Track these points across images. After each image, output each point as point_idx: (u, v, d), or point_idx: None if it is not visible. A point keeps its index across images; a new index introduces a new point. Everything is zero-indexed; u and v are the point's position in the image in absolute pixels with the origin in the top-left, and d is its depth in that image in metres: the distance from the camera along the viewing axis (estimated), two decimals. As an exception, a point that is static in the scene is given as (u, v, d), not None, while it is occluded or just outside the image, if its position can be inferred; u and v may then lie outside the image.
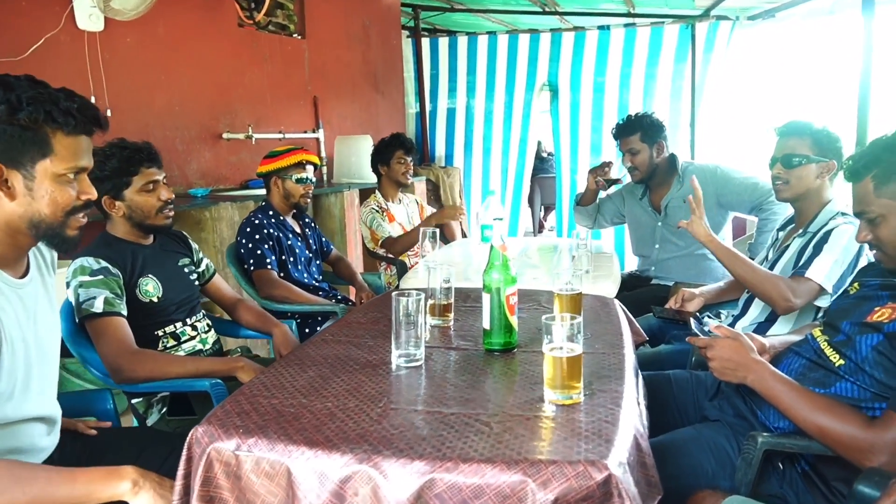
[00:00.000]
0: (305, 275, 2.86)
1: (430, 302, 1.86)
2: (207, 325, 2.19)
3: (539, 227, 8.57)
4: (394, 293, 1.51)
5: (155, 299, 1.99)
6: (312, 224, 3.06)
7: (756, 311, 2.22)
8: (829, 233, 2.01)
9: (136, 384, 1.83)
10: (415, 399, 1.35)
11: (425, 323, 1.62)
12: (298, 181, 2.75)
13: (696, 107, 5.23)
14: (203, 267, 2.27)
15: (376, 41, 5.45)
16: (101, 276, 1.85)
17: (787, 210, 2.91)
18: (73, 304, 1.84)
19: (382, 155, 3.68)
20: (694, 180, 2.32)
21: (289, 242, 2.79)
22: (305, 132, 4.64)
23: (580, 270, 2.42)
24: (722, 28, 5.02)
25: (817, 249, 2.01)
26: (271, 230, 2.72)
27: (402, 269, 3.39)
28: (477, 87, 5.85)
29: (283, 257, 2.73)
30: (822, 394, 1.44)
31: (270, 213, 2.78)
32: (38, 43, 2.87)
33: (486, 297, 1.59)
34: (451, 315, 1.87)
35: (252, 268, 2.66)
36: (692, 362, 1.99)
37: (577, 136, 5.60)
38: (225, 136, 3.95)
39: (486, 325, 1.60)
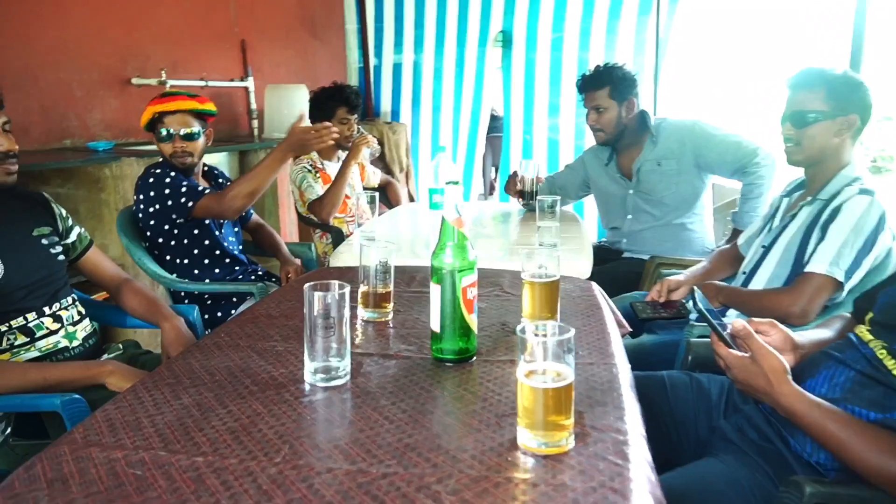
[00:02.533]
0: (228, 240, 2.38)
1: (363, 288, 1.43)
2: (79, 313, 1.70)
3: (490, 190, 8.17)
4: (305, 285, 1.08)
5: None
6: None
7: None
8: (838, 209, 1.66)
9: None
10: (330, 447, 0.91)
11: (350, 321, 1.19)
12: (160, 139, 2.22)
13: (660, 60, 4.86)
14: (74, 237, 1.78)
15: (313, -18, 4.91)
16: None
17: (773, 175, 2.56)
18: None
19: (322, 111, 3.11)
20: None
21: None
22: (232, 80, 4.09)
23: (549, 245, 2.04)
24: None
25: (823, 231, 1.67)
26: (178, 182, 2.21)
27: (339, 238, 2.93)
28: (425, 41, 5.36)
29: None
30: (880, 421, 1.09)
31: (168, 168, 2.25)
32: None
33: (434, 290, 1.16)
34: (391, 306, 1.45)
35: (191, 204, 2.15)
36: (687, 361, 1.62)
37: (533, 94, 5.17)
38: (134, 81, 3.43)
39: (434, 326, 1.18)
